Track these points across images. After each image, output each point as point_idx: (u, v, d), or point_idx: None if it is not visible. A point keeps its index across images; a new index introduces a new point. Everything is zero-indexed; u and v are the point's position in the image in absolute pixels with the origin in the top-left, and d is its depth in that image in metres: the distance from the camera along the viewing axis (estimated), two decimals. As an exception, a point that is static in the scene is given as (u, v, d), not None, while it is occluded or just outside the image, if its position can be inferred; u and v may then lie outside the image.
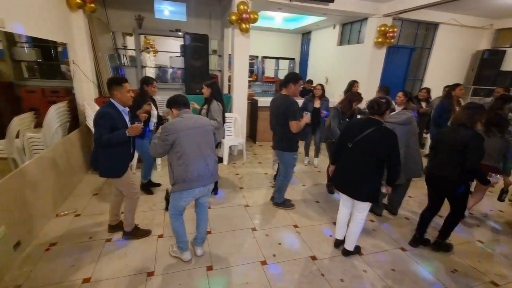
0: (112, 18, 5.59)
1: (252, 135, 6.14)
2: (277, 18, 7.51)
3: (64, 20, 3.61)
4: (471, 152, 2.18)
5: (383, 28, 5.33)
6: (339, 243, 2.57)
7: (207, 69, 5.03)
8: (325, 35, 7.56)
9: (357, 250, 2.52)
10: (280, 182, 3.13)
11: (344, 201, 2.44)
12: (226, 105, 5.22)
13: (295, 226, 2.89)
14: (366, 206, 2.28)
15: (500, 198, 3.05)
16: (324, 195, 3.66)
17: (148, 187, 3.47)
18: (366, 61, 5.78)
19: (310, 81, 6.80)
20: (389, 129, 2.14)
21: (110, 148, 2.18)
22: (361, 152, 2.18)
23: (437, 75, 6.62)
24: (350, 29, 6.62)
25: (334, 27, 7.11)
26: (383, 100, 2.16)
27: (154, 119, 3.20)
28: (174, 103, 2.14)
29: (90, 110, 3.69)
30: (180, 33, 5.84)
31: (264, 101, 5.45)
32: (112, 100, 2.20)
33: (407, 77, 6.50)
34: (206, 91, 3.13)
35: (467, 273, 2.35)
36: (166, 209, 3.07)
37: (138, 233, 2.59)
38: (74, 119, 3.79)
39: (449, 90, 4.29)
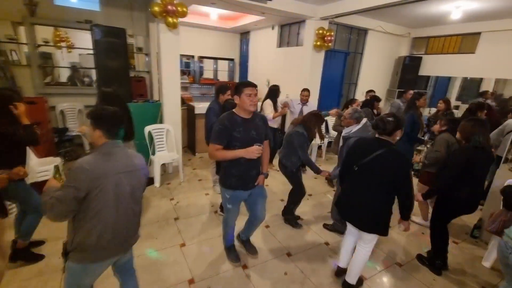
0: (-12, 1, 4.14)
1: (190, 146, 5.41)
2: (212, 15, 6.88)
3: None
4: None
5: (321, 32, 5.25)
6: (341, 272, 2.25)
7: (126, 71, 4.08)
8: (264, 36, 7.25)
9: (359, 284, 2.20)
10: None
11: (350, 230, 2.17)
12: (156, 113, 4.38)
13: (245, 267, 2.37)
14: (373, 237, 1.98)
15: (472, 234, 3.02)
16: (275, 217, 3.25)
17: (30, 251, 2.31)
18: (306, 64, 5.65)
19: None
20: (401, 153, 1.83)
21: None
22: (368, 177, 1.87)
23: (369, 79, 6.98)
24: (289, 30, 6.43)
25: (273, 28, 6.85)
26: (390, 119, 1.83)
27: None
28: (105, 122, 1.33)
29: None
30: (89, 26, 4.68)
31: (202, 108, 4.77)
32: None
33: (343, 80, 6.68)
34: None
35: None
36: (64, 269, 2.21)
37: None
38: None
39: (413, 99, 3.74)
